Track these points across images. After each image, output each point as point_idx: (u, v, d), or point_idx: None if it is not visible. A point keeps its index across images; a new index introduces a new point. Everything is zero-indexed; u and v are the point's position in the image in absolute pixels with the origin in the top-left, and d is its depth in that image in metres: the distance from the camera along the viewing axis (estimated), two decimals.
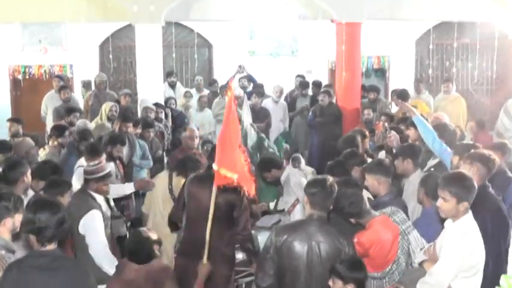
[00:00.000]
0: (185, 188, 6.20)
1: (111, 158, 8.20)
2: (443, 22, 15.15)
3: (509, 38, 14.08)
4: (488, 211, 5.37)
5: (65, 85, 12.39)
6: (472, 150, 5.78)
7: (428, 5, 12.99)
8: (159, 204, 7.47)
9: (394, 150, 7.93)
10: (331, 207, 4.96)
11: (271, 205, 8.08)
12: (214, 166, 4.87)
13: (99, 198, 6.25)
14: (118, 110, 10.60)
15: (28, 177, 6.07)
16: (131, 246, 4.87)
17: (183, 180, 7.13)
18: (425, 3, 12.96)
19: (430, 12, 13.20)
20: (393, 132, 8.45)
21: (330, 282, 4.54)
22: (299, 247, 4.73)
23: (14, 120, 9.95)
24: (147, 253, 4.81)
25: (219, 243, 5.79)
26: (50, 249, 4.00)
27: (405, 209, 5.79)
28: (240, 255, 6.64)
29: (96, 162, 6.47)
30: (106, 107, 10.64)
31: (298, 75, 13.75)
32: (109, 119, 10.45)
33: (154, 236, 4.91)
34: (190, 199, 6.02)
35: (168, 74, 13.51)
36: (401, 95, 11.21)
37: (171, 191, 7.37)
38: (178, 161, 7.61)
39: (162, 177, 7.66)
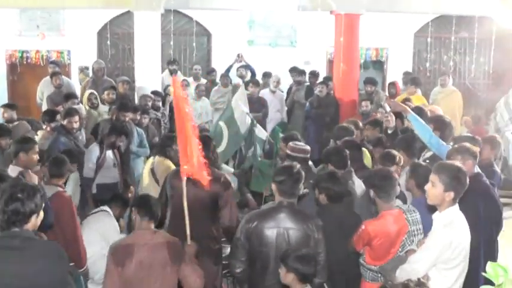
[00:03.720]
0: (167, 183, 6.16)
1: (109, 146, 8.30)
2: (442, 15, 15.18)
3: (508, 33, 14.11)
4: (481, 198, 5.48)
5: (57, 71, 12.14)
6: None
7: None
8: (145, 189, 7.65)
9: (389, 131, 8.09)
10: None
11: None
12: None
13: None
14: (98, 98, 10.73)
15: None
16: None
17: (165, 161, 7.43)
18: None
19: (429, 5, 13.19)
20: (391, 114, 8.64)
21: (279, 269, 4.60)
22: (268, 233, 4.84)
23: (7, 106, 9.91)
24: None
25: (204, 238, 5.75)
26: (20, 230, 3.97)
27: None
28: (228, 250, 6.61)
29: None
30: (85, 96, 10.77)
31: (293, 69, 13.66)
32: (90, 107, 10.57)
33: None
34: (173, 193, 5.92)
35: (169, 62, 13.49)
36: (415, 81, 11.68)
37: (152, 171, 7.63)
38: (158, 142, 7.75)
39: (149, 161, 7.96)
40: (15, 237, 3.94)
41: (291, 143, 6.82)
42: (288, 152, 6.74)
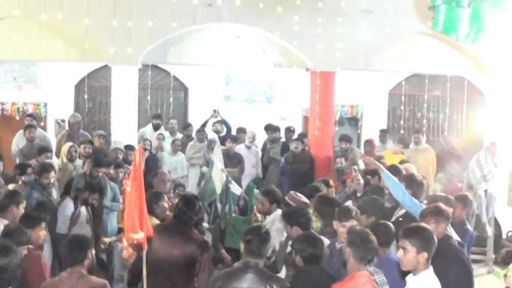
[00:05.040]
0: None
1: (83, 202, 8.21)
2: (415, 74, 15.48)
3: (479, 91, 14.41)
4: (451, 264, 5.47)
5: (32, 124, 11.96)
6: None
7: (400, 57, 13.30)
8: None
9: (358, 194, 8.01)
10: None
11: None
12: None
13: None
14: (77, 151, 10.67)
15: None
16: None
17: (150, 218, 7.17)
18: (398, 56, 13.27)
19: (403, 64, 13.49)
20: (359, 176, 8.34)
21: None
22: None
23: None
24: None
25: None
26: None
27: None
28: None
29: None
30: (65, 148, 10.69)
31: (267, 127, 13.77)
32: (69, 160, 10.51)
33: None
34: (149, 250, 5.78)
35: (154, 116, 13.66)
36: (404, 142, 11.76)
37: None
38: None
39: None
40: None
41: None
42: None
